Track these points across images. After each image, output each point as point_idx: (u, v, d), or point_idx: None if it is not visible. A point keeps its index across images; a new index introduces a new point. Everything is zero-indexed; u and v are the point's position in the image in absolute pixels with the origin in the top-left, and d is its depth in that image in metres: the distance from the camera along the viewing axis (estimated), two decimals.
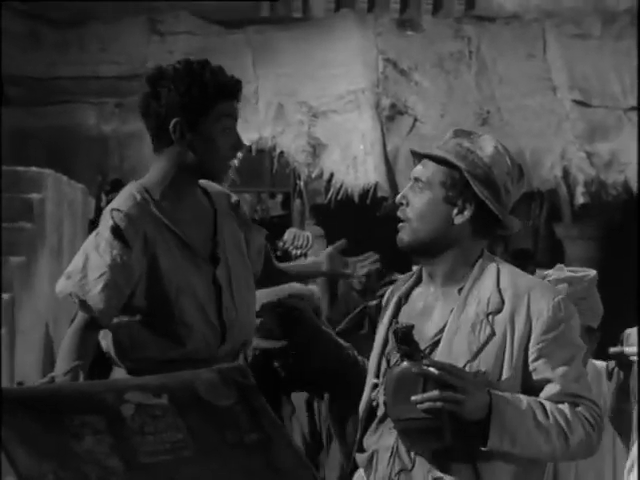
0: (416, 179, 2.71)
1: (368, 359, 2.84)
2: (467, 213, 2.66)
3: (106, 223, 3.09)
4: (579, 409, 2.57)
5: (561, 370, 2.57)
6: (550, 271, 3.92)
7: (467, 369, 2.56)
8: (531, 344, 2.59)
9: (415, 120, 11.07)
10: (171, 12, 11.75)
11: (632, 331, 3.68)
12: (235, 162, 3.22)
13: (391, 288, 2.85)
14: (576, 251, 11.17)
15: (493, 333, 2.59)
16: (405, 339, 2.54)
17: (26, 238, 7.11)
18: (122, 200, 3.14)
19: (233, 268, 3.22)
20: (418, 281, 2.77)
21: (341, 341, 3.48)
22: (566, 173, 10.80)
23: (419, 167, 2.73)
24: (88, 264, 3.05)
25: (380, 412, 2.68)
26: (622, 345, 3.64)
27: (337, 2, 12.11)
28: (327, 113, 11.02)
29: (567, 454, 2.58)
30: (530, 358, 2.59)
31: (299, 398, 4.12)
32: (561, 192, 10.85)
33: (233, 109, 3.17)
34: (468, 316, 2.62)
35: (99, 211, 8.74)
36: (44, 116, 10.84)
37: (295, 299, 3.90)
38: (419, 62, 11.56)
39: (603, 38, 11.75)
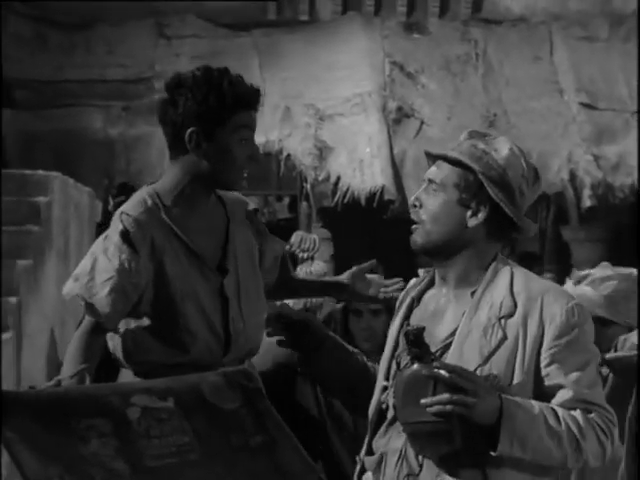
0: (430, 181, 2.68)
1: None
2: (481, 216, 2.63)
3: (116, 227, 3.07)
4: (592, 416, 2.54)
5: (574, 376, 2.54)
6: (593, 270, 3.87)
7: (478, 373, 2.53)
8: (543, 349, 2.56)
9: (422, 123, 11.08)
10: (178, 15, 11.77)
11: (627, 336, 3.66)
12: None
13: (405, 290, 2.83)
14: (583, 254, 11.15)
15: (505, 337, 2.56)
16: (416, 341, 2.52)
17: (33, 241, 7.11)
18: (133, 204, 3.12)
19: (243, 278, 3.18)
20: (431, 283, 2.75)
21: (350, 347, 3.46)
22: (573, 176, 10.80)
23: (433, 168, 2.70)
24: (96, 267, 3.03)
25: (389, 414, 2.66)
26: (616, 351, 3.62)
27: (344, 5, 12.12)
28: (334, 116, 11.03)
29: (579, 461, 2.55)
30: (542, 363, 2.56)
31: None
32: (568, 195, 10.86)
33: (251, 119, 3.10)
34: (480, 319, 2.59)
35: (106, 214, 8.76)
36: (51, 119, 10.86)
37: (300, 310, 3.89)
38: (426, 65, 11.57)
39: (610, 40, 11.75)
